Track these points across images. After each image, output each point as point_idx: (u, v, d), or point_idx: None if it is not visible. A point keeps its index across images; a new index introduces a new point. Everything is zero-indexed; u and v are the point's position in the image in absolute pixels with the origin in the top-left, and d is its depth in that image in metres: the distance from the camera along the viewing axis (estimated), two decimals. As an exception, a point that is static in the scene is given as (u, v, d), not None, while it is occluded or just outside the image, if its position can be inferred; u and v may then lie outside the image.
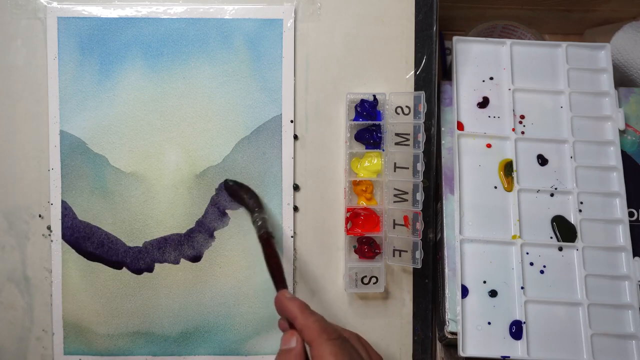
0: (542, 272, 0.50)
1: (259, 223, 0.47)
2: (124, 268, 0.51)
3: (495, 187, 0.52)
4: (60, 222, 0.51)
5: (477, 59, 0.54)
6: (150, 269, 0.51)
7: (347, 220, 0.51)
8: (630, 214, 0.52)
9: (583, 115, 0.53)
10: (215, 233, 0.51)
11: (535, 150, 0.53)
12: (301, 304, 0.40)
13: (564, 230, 0.51)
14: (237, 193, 0.51)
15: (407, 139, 0.50)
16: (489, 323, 0.49)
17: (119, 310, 0.51)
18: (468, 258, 0.50)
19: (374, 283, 0.50)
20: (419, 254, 0.49)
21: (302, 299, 0.51)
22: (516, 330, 0.48)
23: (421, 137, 0.49)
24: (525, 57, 0.55)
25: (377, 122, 0.51)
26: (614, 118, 0.53)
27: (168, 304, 0.51)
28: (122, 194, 0.51)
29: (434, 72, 0.53)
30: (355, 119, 0.51)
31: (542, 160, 0.52)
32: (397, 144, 0.50)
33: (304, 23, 0.52)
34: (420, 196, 0.49)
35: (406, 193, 0.50)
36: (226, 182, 0.51)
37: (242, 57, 0.52)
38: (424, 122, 0.50)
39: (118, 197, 0.51)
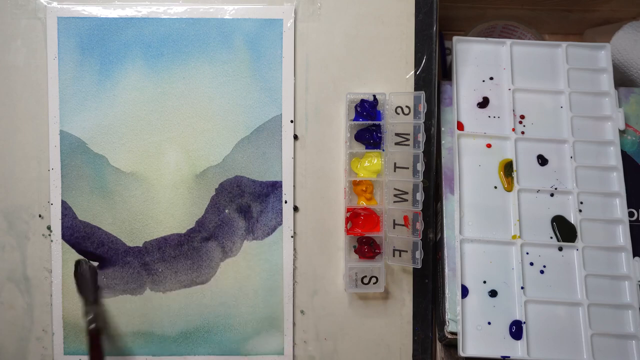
0: (542, 272, 0.50)
1: (90, 317, 0.48)
2: (124, 268, 0.51)
3: (495, 187, 0.52)
4: (60, 222, 0.51)
5: (477, 59, 0.54)
6: (150, 269, 0.51)
7: (347, 220, 0.51)
8: (630, 214, 0.52)
9: (583, 115, 0.53)
10: (215, 233, 0.51)
11: (535, 150, 0.53)
12: None
13: (564, 230, 0.51)
14: (80, 278, 0.50)
15: (407, 139, 0.50)
16: (489, 323, 0.49)
17: (119, 310, 0.51)
18: (468, 258, 0.50)
19: (374, 283, 0.50)
20: (419, 254, 0.49)
21: (302, 299, 0.51)
22: (516, 330, 0.48)
23: (421, 137, 0.49)
24: (525, 57, 0.55)
25: (377, 122, 0.51)
26: (614, 118, 0.53)
27: (168, 304, 0.51)
28: (122, 194, 0.51)
29: (434, 72, 0.53)
30: (355, 119, 0.51)
31: (542, 160, 0.52)
32: (397, 144, 0.50)
33: (304, 23, 0.52)
34: (420, 196, 0.49)
35: (406, 193, 0.50)
36: (79, 262, 0.51)
37: (242, 57, 0.52)
38: (424, 122, 0.50)
39: (118, 197, 0.51)
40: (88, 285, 0.50)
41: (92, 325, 0.48)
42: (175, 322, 0.51)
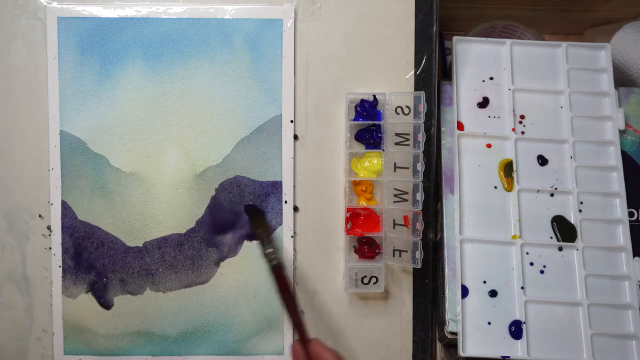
0: (542, 272, 0.50)
1: (269, 252, 0.46)
2: (124, 268, 0.51)
3: (495, 187, 0.52)
4: (60, 222, 0.51)
5: (477, 59, 0.54)
6: (150, 269, 0.51)
7: (347, 220, 0.51)
8: (630, 214, 0.52)
9: (583, 115, 0.53)
10: (215, 233, 0.51)
11: (535, 150, 0.53)
12: (338, 355, 0.42)
13: (564, 230, 0.51)
14: (253, 216, 0.51)
15: (407, 139, 0.50)
16: (489, 323, 0.49)
17: (119, 310, 0.51)
18: (468, 258, 0.50)
19: (374, 283, 0.50)
20: (419, 254, 0.49)
21: (302, 299, 0.51)
22: (516, 330, 0.48)
23: (421, 137, 0.49)
24: (525, 57, 0.55)
25: (377, 122, 0.51)
26: (614, 118, 0.53)
27: (168, 304, 0.51)
28: (122, 194, 0.51)
29: (434, 72, 0.53)
30: (355, 119, 0.51)
31: (542, 160, 0.52)
32: (397, 144, 0.50)
33: (304, 23, 0.52)
34: (420, 196, 0.49)
35: (406, 193, 0.50)
36: (245, 206, 0.51)
37: (242, 57, 0.52)
38: (424, 122, 0.50)
39: (118, 197, 0.51)
40: (262, 222, 0.50)
41: (274, 261, 0.46)
42: (175, 322, 0.51)
